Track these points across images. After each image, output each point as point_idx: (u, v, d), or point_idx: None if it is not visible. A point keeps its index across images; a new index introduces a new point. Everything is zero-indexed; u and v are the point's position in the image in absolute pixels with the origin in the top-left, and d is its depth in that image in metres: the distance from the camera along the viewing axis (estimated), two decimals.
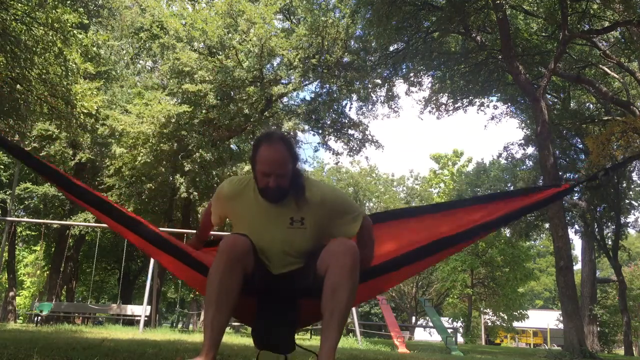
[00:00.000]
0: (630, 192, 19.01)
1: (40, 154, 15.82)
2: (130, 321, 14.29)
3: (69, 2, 10.48)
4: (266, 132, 2.04)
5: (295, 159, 2.01)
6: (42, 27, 8.72)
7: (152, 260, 9.39)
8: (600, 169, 2.21)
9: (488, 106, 16.99)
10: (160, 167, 13.60)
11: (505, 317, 27.68)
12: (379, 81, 15.64)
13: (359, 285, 1.86)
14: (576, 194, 19.31)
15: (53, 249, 18.59)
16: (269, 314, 1.95)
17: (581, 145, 17.93)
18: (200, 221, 2.53)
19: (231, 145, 16.20)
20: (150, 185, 13.87)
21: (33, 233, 21.07)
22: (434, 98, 16.13)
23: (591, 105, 17.93)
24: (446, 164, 32.84)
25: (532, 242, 29.92)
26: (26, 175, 17.64)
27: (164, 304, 33.26)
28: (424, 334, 30.94)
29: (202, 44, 14.21)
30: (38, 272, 19.86)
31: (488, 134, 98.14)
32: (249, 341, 4.90)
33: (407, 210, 2.98)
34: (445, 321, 25.31)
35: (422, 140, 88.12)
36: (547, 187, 2.57)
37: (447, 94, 16.07)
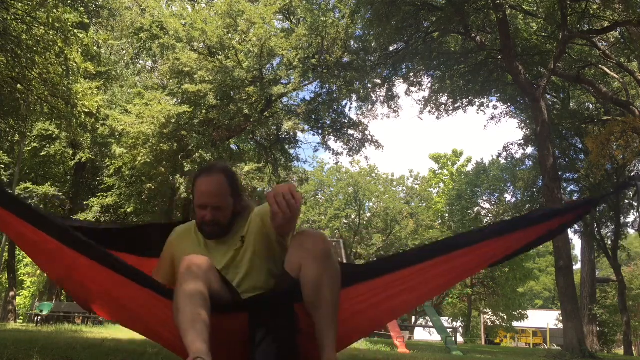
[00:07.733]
0: (630, 192, 19.01)
1: (41, 154, 15.86)
2: None
3: (69, 1, 10.49)
4: (209, 163, 1.95)
5: (236, 191, 1.89)
6: (42, 27, 8.73)
7: None
8: (629, 177, 2.03)
9: (488, 106, 16.98)
10: (160, 167, 13.61)
11: (505, 317, 27.71)
12: (378, 81, 15.63)
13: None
14: (575, 194, 19.32)
15: None
16: (262, 321, 1.68)
17: (581, 145, 17.92)
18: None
19: (231, 145, 16.20)
20: (150, 185, 13.88)
21: None
22: (434, 98, 16.12)
23: (591, 105, 17.92)
24: (446, 164, 32.84)
25: None
26: (26, 175, 17.63)
27: None
28: (424, 334, 30.91)
29: (202, 44, 14.21)
30: (38, 272, 19.84)
31: (488, 134, 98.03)
32: None
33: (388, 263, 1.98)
34: (445, 321, 25.32)
35: (422, 140, 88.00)
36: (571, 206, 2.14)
37: (446, 94, 16.06)
